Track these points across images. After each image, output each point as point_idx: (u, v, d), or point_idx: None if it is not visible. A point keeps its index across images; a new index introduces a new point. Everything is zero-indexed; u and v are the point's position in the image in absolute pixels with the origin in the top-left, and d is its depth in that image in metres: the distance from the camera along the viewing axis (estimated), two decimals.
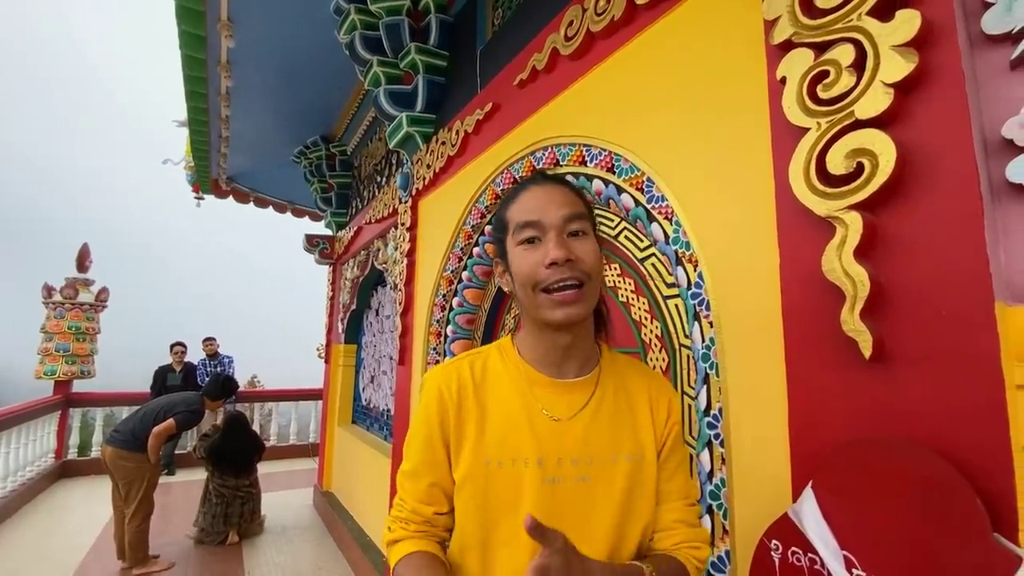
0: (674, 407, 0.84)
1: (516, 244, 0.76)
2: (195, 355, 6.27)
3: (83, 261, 6.35)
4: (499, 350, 0.84)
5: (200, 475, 4.28)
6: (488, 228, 2.17)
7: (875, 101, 0.79)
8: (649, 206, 1.30)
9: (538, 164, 1.74)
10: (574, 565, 0.61)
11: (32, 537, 3.96)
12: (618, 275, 1.54)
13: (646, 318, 1.43)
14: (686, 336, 1.27)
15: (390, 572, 0.77)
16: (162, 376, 5.89)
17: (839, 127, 0.82)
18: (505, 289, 0.82)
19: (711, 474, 1.09)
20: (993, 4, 0.75)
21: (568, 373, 0.80)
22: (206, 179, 5.18)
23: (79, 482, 5.56)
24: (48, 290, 6.03)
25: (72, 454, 5.90)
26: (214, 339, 6.41)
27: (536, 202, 0.75)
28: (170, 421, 3.38)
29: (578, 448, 0.75)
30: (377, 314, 4.25)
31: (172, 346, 6.08)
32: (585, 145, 1.54)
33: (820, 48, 0.88)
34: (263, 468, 4.38)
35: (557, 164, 1.65)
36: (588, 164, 1.52)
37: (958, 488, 0.65)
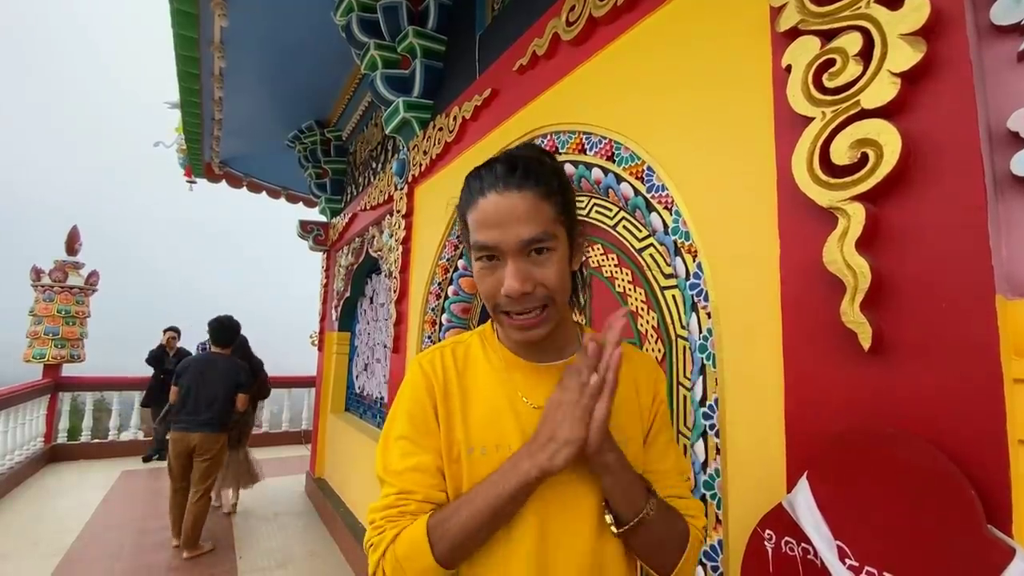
0: (660, 388, 0.83)
1: (475, 258, 0.72)
2: (193, 338, 6.18)
3: (72, 244, 6.26)
4: (480, 336, 0.83)
5: None
6: None
7: (881, 91, 0.78)
8: (649, 195, 1.29)
9: None
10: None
11: (21, 521, 3.94)
12: (615, 265, 1.53)
13: (643, 308, 1.43)
14: (683, 327, 1.27)
15: (421, 549, 0.65)
16: (160, 358, 5.83)
17: (844, 116, 0.81)
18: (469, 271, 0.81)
19: (705, 464, 1.09)
20: None
21: (547, 357, 0.79)
22: (199, 162, 5.11)
23: (69, 466, 5.53)
24: (37, 273, 5.96)
25: (62, 438, 5.87)
26: None
27: (495, 217, 0.68)
28: (244, 395, 3.64)
29: None
30: (371, 302, 4.23)
31: (165, 331, 6.01)
32: (585, 133, 1.52)
33: (827, 36, 0.87)
34: (255, 455, 4.39)
35: (556, 152, 1.63)
36: (588, 152, 1.51)
37: (953, 480, 0.66)
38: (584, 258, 0.87)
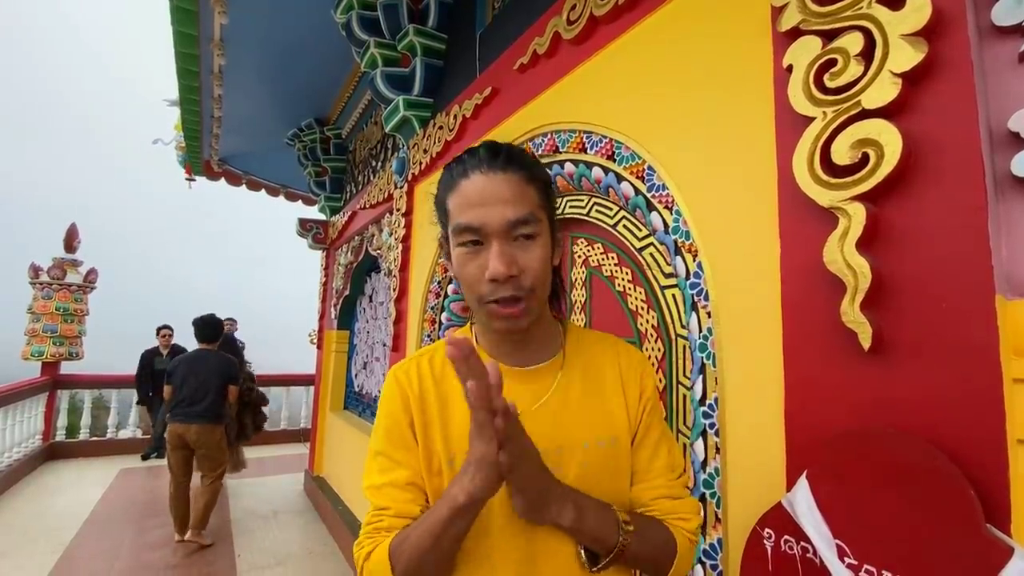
0: (647, 382, 0.80)
1: (456, 244, 0.69)
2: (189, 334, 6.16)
3: (71, 241, 6.25)
4: None
5: None
6: None
7: (883, 91, 0.78)
8: (649, 195, 1.29)
9: (537, 151, 1.72)
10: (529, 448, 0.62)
11: (20, 519, 3.94)
12: (615, 264, 1.54)
13: (643, 308, 1.43)
14: (683, 326, 1.27)
15: (384, 569, 0.64)
16: (150, 360, 5.80)
17: (845, 117, 0.82)
18: (451, 273, 0.78)
19: (705, 463, 1.10)
20: None
21: (529, 360, 0.76)
22: (197, 160, 5.10)
23: (67, 464, 5.53)
24: (35, 270, 5.94)
25: (60, 436, 5.86)
26: (234, 321, 6.17)
27: (479, 198, 0.67)
28: (234, 387, 3.78)
29: (545, 438, 0.69)
30: (371, 300, 4.22)
31: (159, 329, 5.99)
32: (586, 132, 1.52)
33: (828, 36, 0.87)
34: (253, 453, 4.40)
35: (556, 151, 1.63)
36: (588, 151, 1.51)
37: (952, 479, 0.66)
38: (562, 257, 0.84)
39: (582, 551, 0.70)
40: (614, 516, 0.69)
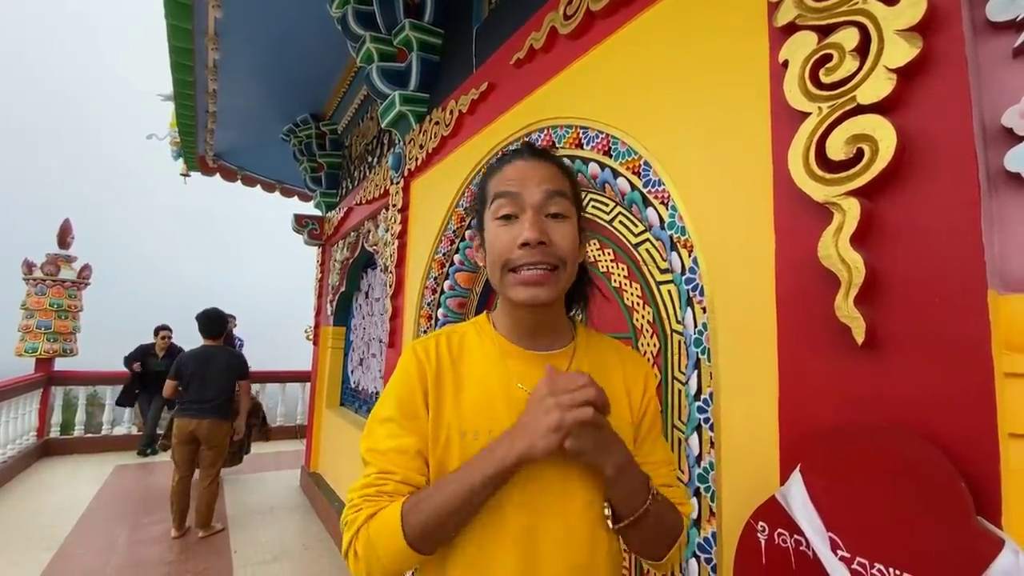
0: (650, 383, 0.85)
1: (493, 218, 0.75)
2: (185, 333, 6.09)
3: (65, 237, 6.20)
4: (475, 326, 0.84)
5: None
6: None
7: (877, 86, 0.78)
8: (645, 190, 1.29)
9: None
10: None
11: (14, 516, 3.92)
12: (611, 261, 1.54)
13: (638, 304, 1.43)
14: (678, 322, 1.27)
15: (393, 532, 0.65)
16: (142, 356, 5.73)
17: (840, 112, 0.82)
18: (479, 263, 0.82)
19: (699, 457, 1.10)
20: None
21: (541, 346, 0.80)
22: (192, 155, 5.06)
23: (62, 461, 5.50)
24: (28, 266, 5.90)
25: (55, 433, 5.83)
26: (233, 317, 6.04)
27: (518, 175, 0.74)
28: (246, 382, 3.86)
29: None
30: (367, 296, 4.22)
31: (157, 330, 5.87)
32: (582, 127, 1.52)
33: (824, 31, 0.87)
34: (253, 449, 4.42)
35: (553, 146, 1.63)
36: (584, 147, 1.50)
37: (944, 472, 0.66)
38: (586, 255, 0.90)
39: (607, 508, 0.73)
40: (649, 482, 0.74)
